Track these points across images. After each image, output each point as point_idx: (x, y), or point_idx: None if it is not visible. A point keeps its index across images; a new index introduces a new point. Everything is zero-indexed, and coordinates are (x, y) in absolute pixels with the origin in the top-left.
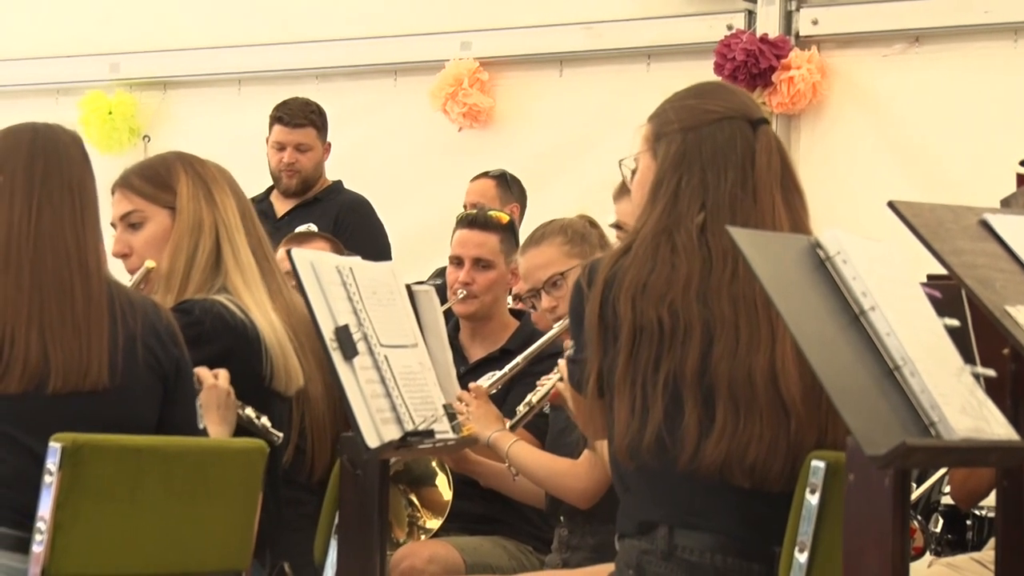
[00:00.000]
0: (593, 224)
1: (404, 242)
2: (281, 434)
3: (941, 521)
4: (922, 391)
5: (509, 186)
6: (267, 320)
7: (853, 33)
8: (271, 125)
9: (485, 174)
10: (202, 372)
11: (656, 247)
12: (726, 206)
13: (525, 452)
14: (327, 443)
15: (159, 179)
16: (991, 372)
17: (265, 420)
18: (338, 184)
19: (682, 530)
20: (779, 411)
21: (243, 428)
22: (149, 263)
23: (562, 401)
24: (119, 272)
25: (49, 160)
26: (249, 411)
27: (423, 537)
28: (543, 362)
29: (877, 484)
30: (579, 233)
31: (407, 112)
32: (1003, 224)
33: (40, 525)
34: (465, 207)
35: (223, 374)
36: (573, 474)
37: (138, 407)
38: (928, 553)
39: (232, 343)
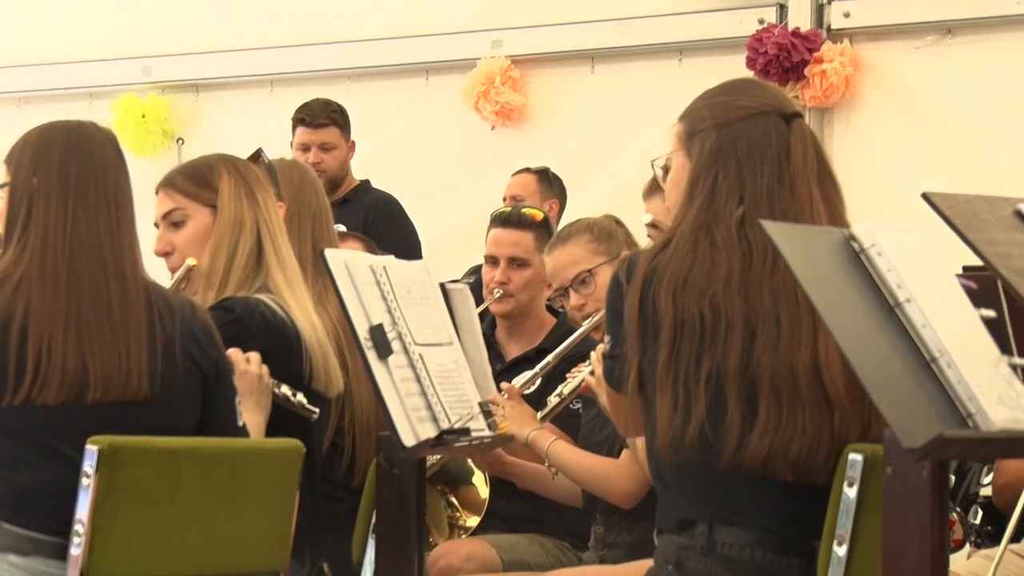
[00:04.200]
0: (619, 223)
1: (438, 241)
2: (317, 410)
3: (980, 513)
4: (959, 382)
5: (550, 182)
6: (308, 320)
7: (885, 25)
8: (294, 127)
9: (527, 169)
10: (234, 354)
11: (695, 242)
12: (764, 200)
13: (566, 451)
14: (371, 445)
15: (201, 177)
16: None
17: (301, 397)
18: (366, 183)
19: (722, 526)
20: (822, 404)
21: (280, 407)
22: (190, 261)
23: (592, 394)
24: (161, 271)
25: (83, 162)
26: (285, 389)
27: (463, 536)
28: (576, 360)
29: (915, 476)
30: (605, 231)
31: (439, 111)
32: None
33: (78, 528)
34: (504, 199)
35: (255, 357)
36: (617, 475)
37: (178, 413)
38: (968, 545)
39: (272, 342)
